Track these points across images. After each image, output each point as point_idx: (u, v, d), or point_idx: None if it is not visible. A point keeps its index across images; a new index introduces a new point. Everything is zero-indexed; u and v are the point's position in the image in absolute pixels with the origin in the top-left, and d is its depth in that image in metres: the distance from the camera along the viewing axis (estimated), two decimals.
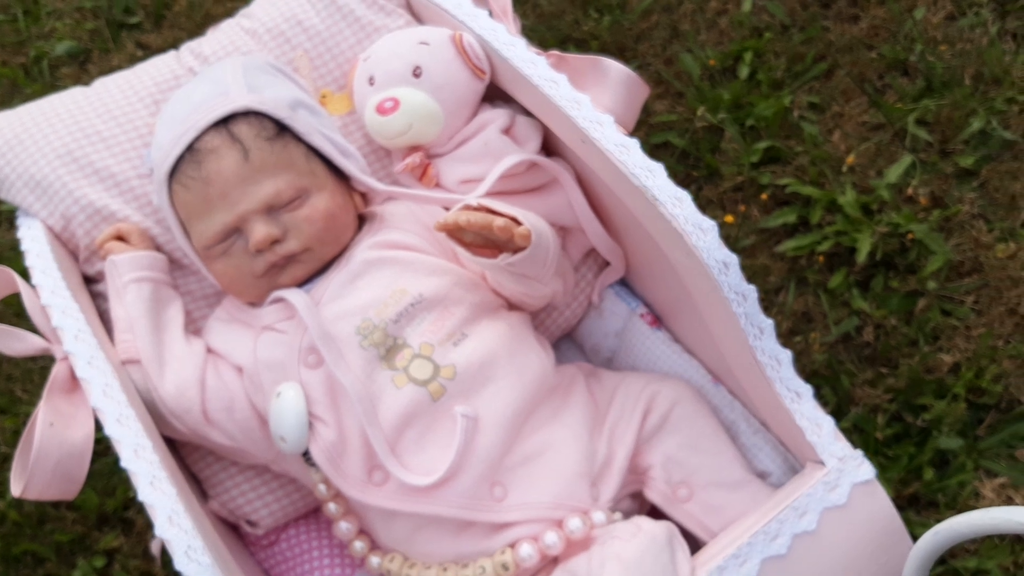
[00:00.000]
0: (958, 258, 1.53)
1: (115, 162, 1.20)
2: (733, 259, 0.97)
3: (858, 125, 1.66)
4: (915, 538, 0.92)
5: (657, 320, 1.26)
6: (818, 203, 1.59)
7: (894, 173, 1.60)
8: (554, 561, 1.04)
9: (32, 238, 1.15)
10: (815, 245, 1.56)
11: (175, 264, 1.19)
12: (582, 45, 1.79)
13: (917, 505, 1.38)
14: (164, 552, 0.91)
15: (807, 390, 1.01)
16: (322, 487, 1.10)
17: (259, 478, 1.20)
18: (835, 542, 0.97)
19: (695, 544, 1.04)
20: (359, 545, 1.12)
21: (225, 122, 1.09)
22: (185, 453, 1.19)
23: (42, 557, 1.48)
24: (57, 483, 0.99)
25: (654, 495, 1.10)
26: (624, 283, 1.31)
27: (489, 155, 1.17)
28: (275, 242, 1.08)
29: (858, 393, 1.46)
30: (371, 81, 1.20)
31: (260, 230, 1.07)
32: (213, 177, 1.07)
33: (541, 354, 1.13)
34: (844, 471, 0.98)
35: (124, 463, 0.93)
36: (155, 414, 1.09)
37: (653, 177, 0.99)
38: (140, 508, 1.48)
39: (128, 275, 1.13)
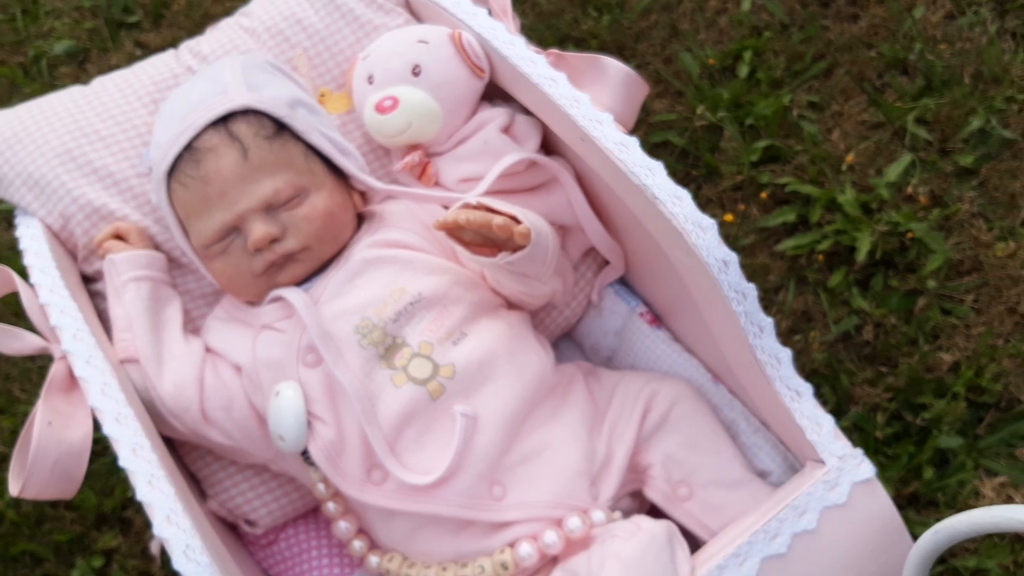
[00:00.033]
0: (958, 257, 1.53)
1: (114, 161, 1.20)
2: (733, 257, 0.97)
3: (857, 124, 1.66)
4: (915, 537, 0.92)
5: (657, 319, 1.26)
6: (818, 202, 1.59)
7: (894, 172, 1.59)
8: (553, 560, 1.04)
9: (30, 237, 1.15)
10: (815, 244, 1.56)
11: (174, 263, 1.19)
12: (581, 44, 1.79)
13: (917, 504, 1.38)
14: (164, 552, 0.91)
15: (807, 389, 1.01)
16: (321, 486, 1.10)
17: (258, 477, 1.19)
18: (835, 541, 0.97)
19: (695, 543, 1.04)
20: (358, 544, 1.11)
21: (224, 121, 1.08)
22: (184, 452, 1.19)
23: (40, 557, 1.48)
24: (55, 482, 0.98)
25: (654, 494, 1.10)
26: (623, 282, 1.31)
27: (488, 154, 1.17)
28: (274, 241, 1.08)
29: (858, 392, 1.45)
30: (370, 80, 1.20)
31: (259, 229, 1.07)
32: (212, 176, 1.07)
33: (540, 353, 1.13)
34: (844, 470, 0.98)
35: (122, 462, 0.93)
36: (153, 413, 1.09)
37: (652, 175, 0.99)
38: (139, 508, 1.47)
39: (127, 274, 1.12)
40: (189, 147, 1.08)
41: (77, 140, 1.19)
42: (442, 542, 1.04)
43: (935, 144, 1.62)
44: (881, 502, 0.98)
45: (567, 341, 1.35)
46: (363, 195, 1.20)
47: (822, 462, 0.99)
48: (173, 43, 1.43)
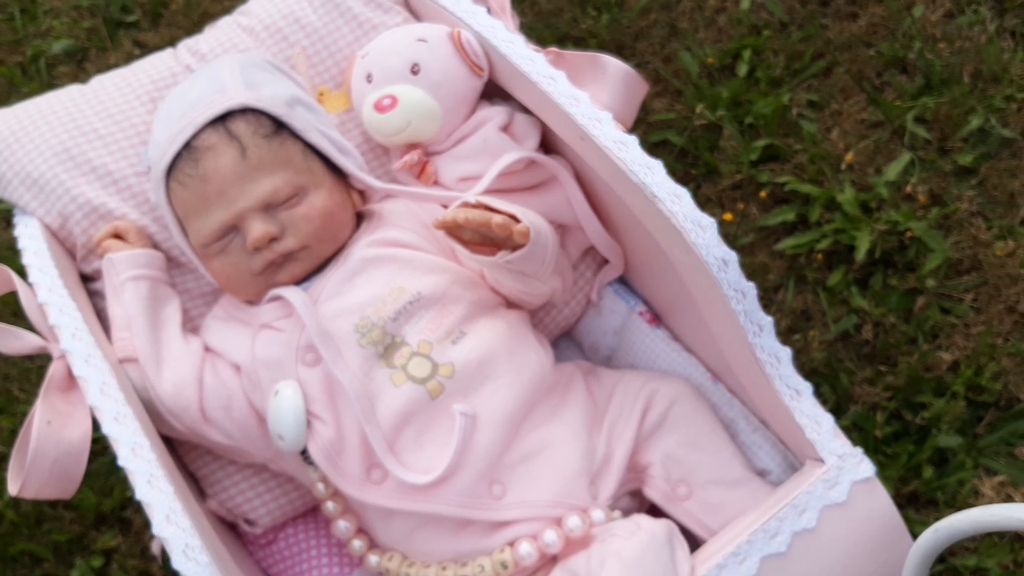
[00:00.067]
0: (957, 256, 1.53)
1: (112, 160, 1.19)
2: (732, 256, 0.96)
3: (857, 123, 1.66)
4: (914, 536, 0.92)
5: (656, 318, 1.26)
6: (817, 201, 1.58)
7: (893, 171, 1.59)
8: (553, 559, 1.03)
9: (29, 236, 1.15)
10: (814, 243, 1.56)
11: (172, 262, 1.19)
12: (580, 43, 1.79)
13: (916, 503, 1.38)
14: (165, 552, 0.91)
15: (806, 387, 1.01)
16: (320, 486, 1.10)
17: (257, 477, 1.19)
18: (835, 540, 0.97)
19: (694, 542, 1.04)
20: (357, 544, 1.11)
21: (223, 119, 1.08)
22: (183, 452, 1.18)
23: (40, 557, 1.48)
24: (54, 482, 0.98)
25: (653, 493, 1.10)
26: (623, 281, 1.30)
27: (487, 152, 1.17)
28: (273, 240, 1.08)
29: (857, 391, 1.45)
30: (369, 78, 1.20)
31: (258, 228, 1.06)
32: (210, 175, 1.07)
33: (540, 352, 1.13)
34: (844, 469, 0.98)
35: (121, 461, 0.93)
36: (153, 413, 1.08)
37: (652, 174, 0.99)
38: (138, 508, 1.47)
39: (125, 273, 1.12)
40: (188, 146, 1.08)
41: (76, 139, 1.19)
42: (441, 541, 1.04)
43: (934, 143, 1.62)
44: (881, 501, 0.98)
45: (566, 340, 1.34)
46: (362, 194, 1.20)
47: (822, 461, 0.99)
48: (171, 42, 1.43)
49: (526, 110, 1.20)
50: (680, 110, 1.71)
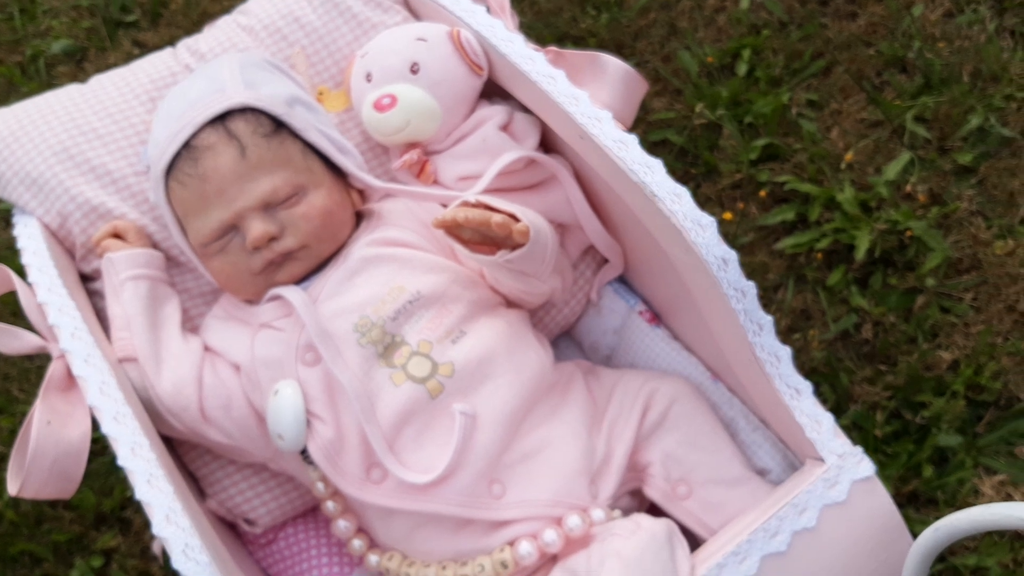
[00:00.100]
0: (957, 255, 1.53)
1: (112, 159, 1.19)
2: (732, 255, 0.96)
3: (856, 122, 1.66)
4: (914, 535, 0.91)
5: (656, 317, 1.26)
6: (816, 200, 1.58)
7: (892, 170, 1.59)
8: (553, 559, 1.03)
9: (28, 236, 1.14)
10: (814, 242, 1.56)
11: (172, 262, 1.19)
12: (580, 42, 1.79)
13: (916, 502, 1.38)
14: (165, 552, 0.91)
15: (807, 387, 1.00)
16: (320, 485, 1.10)
17: (257, 476, 1.19)
18: (835, 539, 0.97)
19: (694, 541, 1.03)
20: (357, 543, 1.11)
21: (222, 119, 1.08)
22: (183, 452, 1.18)
23: (39, 557, 1.47)
24: (54, 482, 0.98)
25: (653, 492, 1.10)
26: (623, 280, 1.30)
27: (487, 152, 1.17)
28: (272, 239, 1.08)
29: (857, 390, 1.45)
30: (368, 78, 1.20)
31: (257, 227, 1.06)
32: (210, 174, 1.07)
33: (540, 352, 1.13)
34: (844, 468, 0.98)
35: (121, 461, 0.93)
36: (152, 412, 1.08)
37: (652, 173, 0.99)
38: (138, 507, 1.47)
39: (125, 272, 1.12)
40: (187, 145, 1.08)
41: (75, 139, 1.19)
42: (441, 541, 1.04)
43: (934, 142, 1.62)
44: (881, 500, 0.98)
45: (566, 340, 1.34)
46: (361, 193, 1.20)
47: (822, 460, 0.99)
48: (171, 42, 1.43)
49: (526, 109, 1.20)
50: (680, 109, 1.71)
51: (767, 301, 1.55)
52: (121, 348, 1.10)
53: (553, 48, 1.18)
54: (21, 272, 1.09)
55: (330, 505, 1.11)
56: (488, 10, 1.21)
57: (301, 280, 1.12)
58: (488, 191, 1.11)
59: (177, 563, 0.88)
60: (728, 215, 1.62)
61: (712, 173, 1.66)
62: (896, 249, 1.54)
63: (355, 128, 1.27)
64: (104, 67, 1.83)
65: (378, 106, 1.17)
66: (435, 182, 1.21)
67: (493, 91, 1.23)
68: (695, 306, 1.07)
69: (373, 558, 1.10)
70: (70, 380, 1.01)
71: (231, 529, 1.23)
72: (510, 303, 1.17)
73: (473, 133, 1.19)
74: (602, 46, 1.77)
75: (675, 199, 0.98)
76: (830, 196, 1.58)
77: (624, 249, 1.25)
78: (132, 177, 1.19)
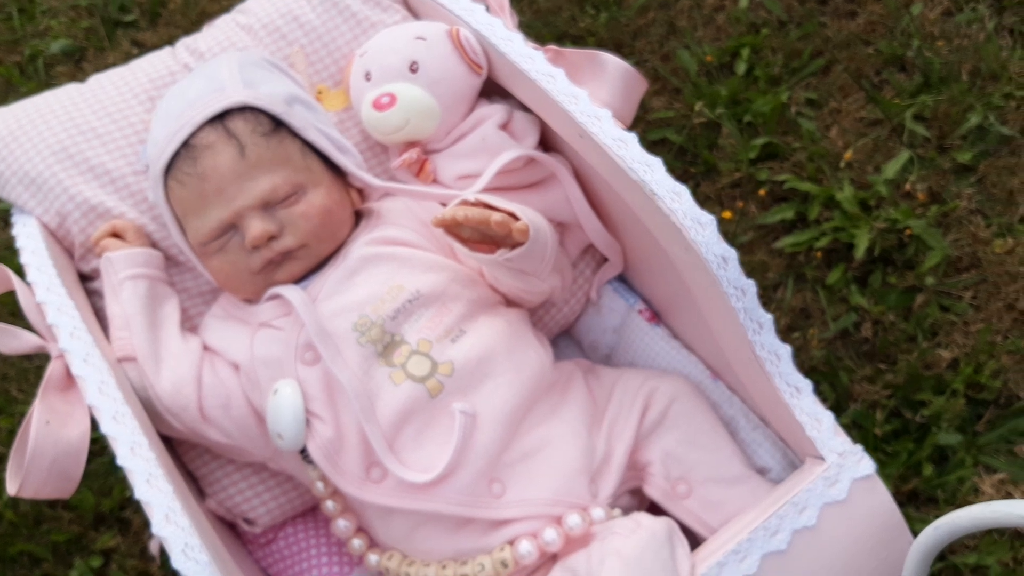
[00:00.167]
0: (956, 254, 1.53)
1: (111, 159, 1.19)
2: (732, 254, 0.96)
3: (855, 121, 1.66)
4: (914, 534, 0.91)
5: (655, 316, 1.26)
6: (816, 199, 1.58)
7: (892, 169, 1.59)
8: (553, 558, 1.03)
9: (27, 235, 1.14)
10: (813, 241, 1.56)
11: (171, 261, 1.19)
12: (579, 41, 1.79)
13: (916, 501, 1.38)
14: (163, 552, 0.91)
15: (807, 385, 1.00)
16: (320, 485, 1.10)
17: (256, 476, 1.19)
18: (835, 537, 0.96)
19: (695, 540, 1.03)
20: (357, 543, 1.11)
21: (221, 118, 1.08)
22: (182, 451, 1.18)
23: (39, 557, 1.47)
24: (53, 481, 0.98)
25: (653, 491, 1.10)
26: (622, 279, 1.30)
27: (486, 151, 1.17)
28: (271, 238, 1.08)
29: (857, 389, 1.45)
30: (367, 77, 1.20)
31: (256, 226, 1.06)
32: (209, 173, 1.07)
33: (539, 351, 1.13)
34: (844, 466, 0.98)
35: (120, 460, 0.93)
36: (151, 412, 1.08)
37: (651, 171, 0.99)
38: (137, 508, 1.47)
39: (124, 272, 1.12)
40: (186, 144, 1.08)
41: (74, 138, 1.19)
42: (441, 540, 1.04)
43: (933, 141, 1.62)
44: (881, 498, 0.98)
45: (566, 339, 1.34)
46: (361, 192, 1.19)
47: (822, 458, 0.99)
48: (170, 41, 1.43)
49: (525, 108, 1.20)
50: (679, 108, 1.71)
51: (767, 300, 1.55)
52: (120, 348, 1.10)
53: (552, 47, 1.18)
54: (20, 272, 1.09)
55: (330, 504, 1.11)
56: (487, 9, 1.21)
57: (300, 279, 1.12)
58: (487, 190, 1.11)
59: (177, 562, 0.88)
60: (727, 214, 1.61)
61: (711, 172, 1.66)
62: (895, 248, 1.54)
63: (354, 127, 1.26)
64: (103, 67, 1.82)
65: (377, 105, 1.17)
66: (434, 181, 1.21)
67: (492, 90, 1.23)
68: (695, 305, 1.06)
69: (373, 557, 1.10)
70: (69, 380, 1.01)
71: (231, 529, 1.23)
72: (510, 302, 1.17)
73: (472, 132, 1.19)
74: (601, 45, 1.77)
75: (675, 197, 0.97)
76: (829, 195, 1.58)
77: (624, 248, 1.25)
78: (131, 176, 1.19)
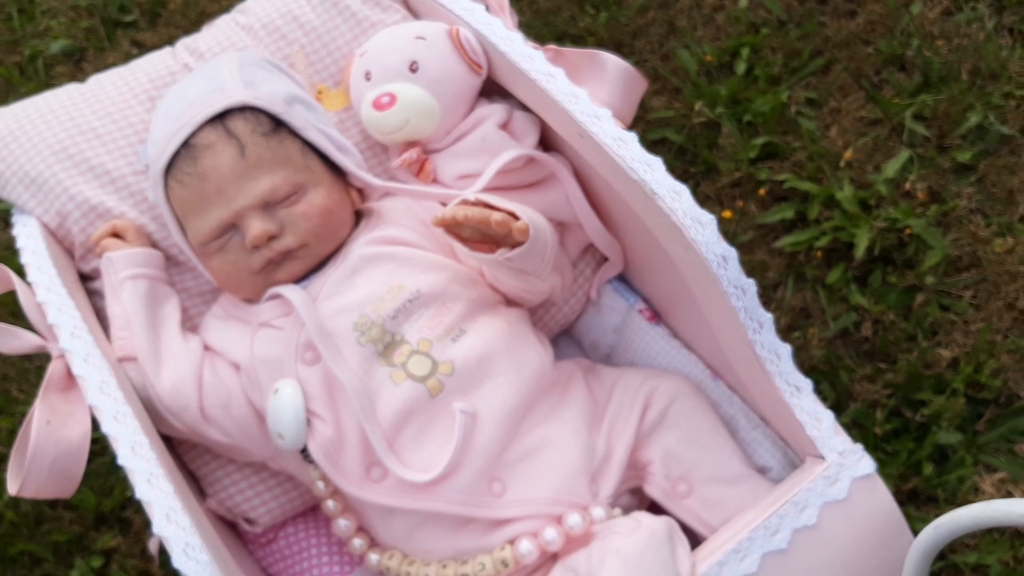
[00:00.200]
0: (956, 253, 1.53)
1: (111, 159, 1.19)
2: (732, 253, 0.96)
3: (855, 120, 1.66)
4: (914, 534, 0.91)
5: (656, 315, 1.26)
6: (816, 198, 1.58)
7: (892, 168, 1.59)
8: (554, 557, 1.03)
9: (27, 235, 1.14)
10: (813, 240, 1.56)
11: (171, 261, 1.19)
12: (579, 41, 1.79)
13: (916, 500, 1.38)
14: (162, 550, 0.91)
15: (807, 384, 1.00)
16: (320, 484, 1.10)
17: (257, 476, 1.19)
18: (835, 536, 0.97)
19: (695, 539, 1.03)
20: (358, 542, 1.11)
21: (221, 118, 1.08)
22: (183, 451, 1.18)
23: (39, 557, 1.47)
24: (54, 481, 0.98)
25: (653, 490, 1.10)
26: (622, 278, 1.30)
27: (486, 150, 1.17)
28: (272, 238, 1.08)
29: (857, 388, 1.45)
30: (367, 76, 1.20)
31: (256, 226, 1.06)
32: (209, 173, 1.07)
33: (540, 350, 1.13)
34: (844, 465, 0.98)
35: (121, 460, 0.93)
36: (152, 411, 1.08)
37: (651, 171, 0.99)
38: (138, 507, 1.47)
39: (124, 272, 1.12)
40: (186, 144, 1.08)
41: (74, 138, 1.19)
42: (442, 539, 1.04)
43: (933, 140, 1.62)
44: (881, 498, 0.98)
45: (566, 338, 1.34)
46: (361, 192, 1.19)
47: (822, 458, 0.99)
48: (170, 42, 1.43)
49: (525, 108, 1.20)
50: (679, 108, 1.71)
51: (767, 299, 1.55)
52: (120, 347, 1.10)
53: (552, 46, 1.18)
54: (20, 272, 1.09)
55: (330, 504, 1.11)
56: (487, 8, 1.21)
57: (300, 279, 1.12)
58: (487, 189, 1.11)
59: (177, 562, 0.88)
60: (727, 213, 1.62)
61: (711, 171, 1.66)
62: (895, 247, 1.54)
63: (354, 127, 1.27)
64: (103, 67, 1.82)
65: (377, 105, 1.17)
66: (434, 181, 1.21)
67: (492, 89, 1.23)
68: (695, 304, 1.06)
69: (373, 557, 1.10)
70: (70, 379, 1.01)
71: (231, 528, 1.23)
72: (510, 302, 1.17)
73: (472, 131, 1.19)
74: (601, 45, 1.77)
75: (675, 197, 0.98)
76: (829, 194, 1.58)
77: (624, 247, 1.25)
78: (131, 176, 1.19)
